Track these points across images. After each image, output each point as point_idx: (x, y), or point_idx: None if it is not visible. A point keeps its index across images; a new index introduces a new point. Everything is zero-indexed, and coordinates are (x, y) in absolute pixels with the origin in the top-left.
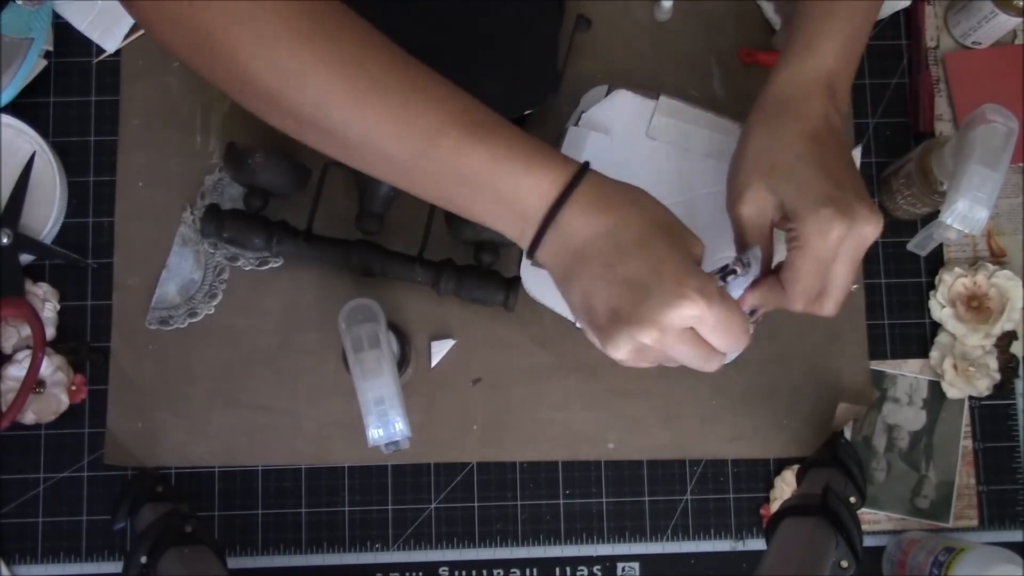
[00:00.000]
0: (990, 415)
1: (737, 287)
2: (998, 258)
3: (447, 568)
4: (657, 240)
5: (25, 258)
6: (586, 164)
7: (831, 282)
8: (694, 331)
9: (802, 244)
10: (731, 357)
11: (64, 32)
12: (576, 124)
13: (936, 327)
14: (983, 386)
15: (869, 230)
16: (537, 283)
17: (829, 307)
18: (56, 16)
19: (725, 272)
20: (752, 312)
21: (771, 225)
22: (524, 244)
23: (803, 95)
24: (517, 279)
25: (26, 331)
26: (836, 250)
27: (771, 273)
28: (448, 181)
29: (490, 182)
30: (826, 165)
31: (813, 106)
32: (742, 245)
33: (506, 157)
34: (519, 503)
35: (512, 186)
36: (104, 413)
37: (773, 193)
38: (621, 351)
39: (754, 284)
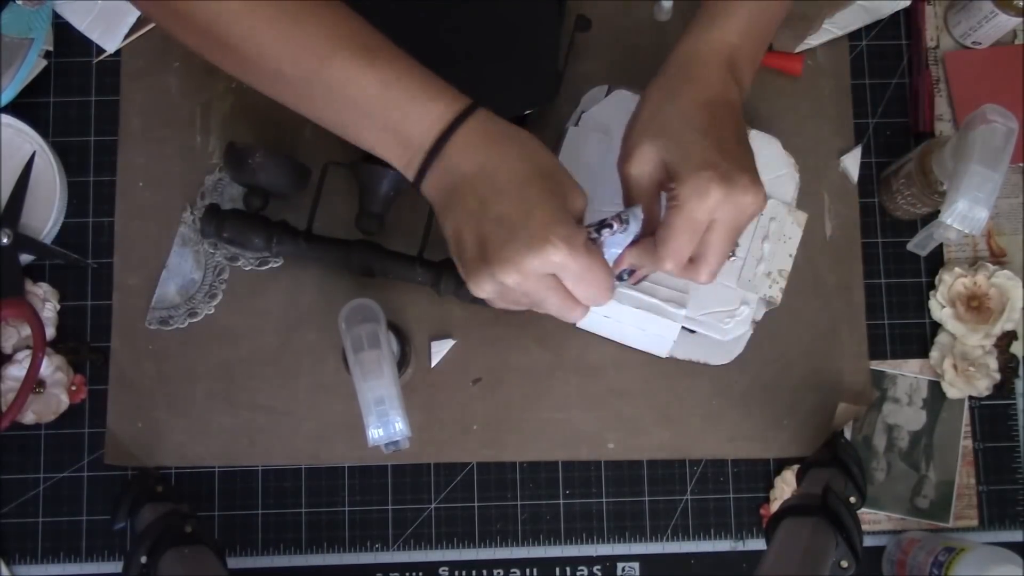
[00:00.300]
0: (990, 415)
1: (614, 244)
2: (998, 258)
3: (447, 568)
4: (534, 184)
5: (25, 258)
6: (475, 102)
7: (706, 248)
8: (557, 279)
9: (678, 204)
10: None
11: (64, 32)
12: (576, 124)
13: (936, 327)
14: (983, 386)
15: (748, 200)
16: None
17: (703, 274)
18: (56, 16)
19: (601, 225)
20: (630, 273)
21: (657, 186)
22: (409, 174)
23: (702, 63)
24: None
25: (26, 331)
26: (712, 214)
27: (651, 235)
28: (339, 106)
29: (380, 109)
30: (714, 133)
31: (711, 76)
32: (626, 203)
33: (396, 84)
34: (519, 503)
35: (400, 115)
36: (104, 413)
37: (660, 154)
38: (484, 290)
39: (632, 244)
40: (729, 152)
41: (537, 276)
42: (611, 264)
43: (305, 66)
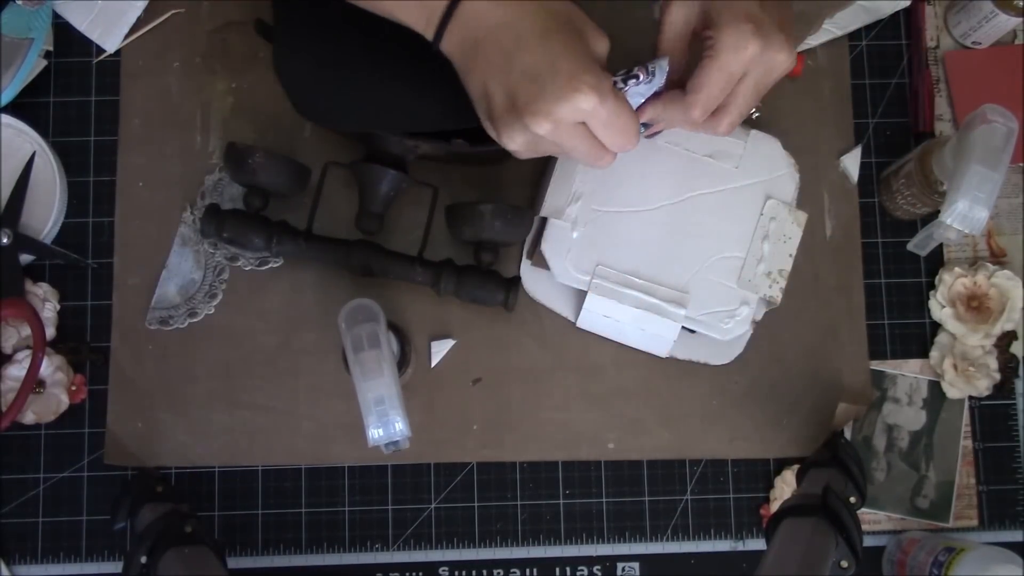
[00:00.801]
0: (990, 415)
1: (638, 95)
2: (998, 258)
3: (447, 568)
4: (558, 34)
5: (25, 258)
6: None
7: (732, 100)
8: (586, 127)
9: (715, 54)
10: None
11: (64, 32)
12: None
13: (936, 327)
14: (983, 386)
15: (781, 58)
16: (537, 283)
17: (724, 125)
18: (56, 16)
19: (628, 75)
20: (649, 126)
21: (690, 34)
22: (429, 34)
23: None
24: (517, 279)
25: (26, 331)
26: (745, 68)
27: (676, 88)
28: None
29: None
30: None
31: None
32: (660, 49)
33: None
34: (519, 503)
35: None
36: (104, 413)
37: (701, 3)
38: (515, 142)
39: (656, 96)
40: (770, 8)
41: (568, 124)
42: None
43: None
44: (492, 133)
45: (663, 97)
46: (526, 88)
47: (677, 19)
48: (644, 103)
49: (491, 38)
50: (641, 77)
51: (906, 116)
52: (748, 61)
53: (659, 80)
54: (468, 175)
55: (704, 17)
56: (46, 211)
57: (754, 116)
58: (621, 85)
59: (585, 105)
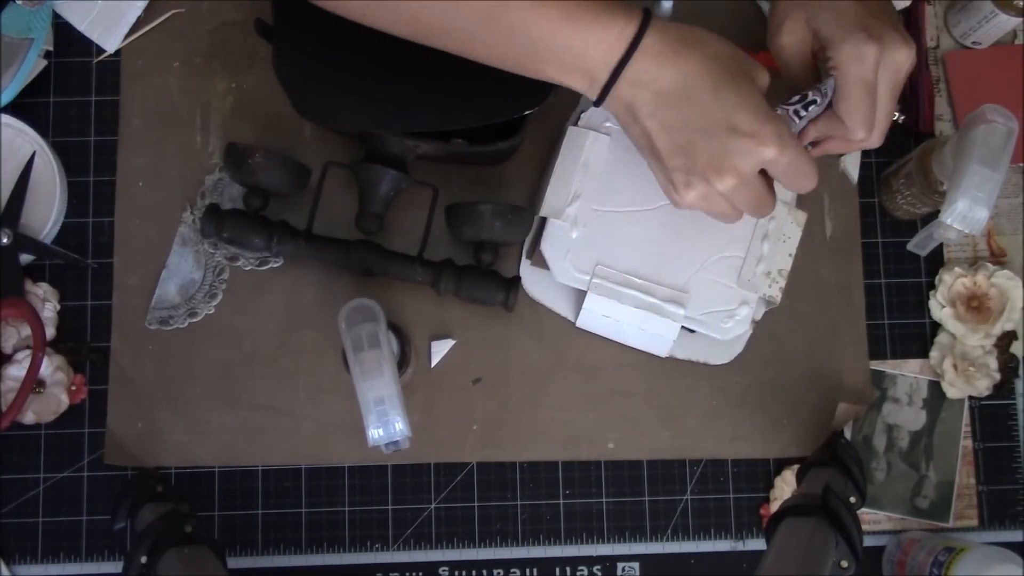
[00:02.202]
0: (990, 415)
1: (807, 119)
2: (998, 258)
3: (447, 568)
4: (728, 87)
5: (25, 258)
6: (648, 11)
7: (875, 111)
8: (763, 174)
9: (842, 72)
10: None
11: (64, 32)
12: (576, 124)
13: (936, 327)
14: (983, 386)
15: (902, 56)
16: (537, 283)
17: (875, 138)
18: (56, 16)
19: (805, 102)
20: (814, 144)
21: (810, 56)
22: (592, 96)
23: None
24: (517, 279)
25: (26, 331)
26: (875, 75)
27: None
28: (515, 43)
29: (557, 42)
30: None
31: None
32: (787, 77)
33: (572, 14)
34: (519, 503)
35: (579, 43)
36: (104, 413)
37: (810, 23)
38: (689, 197)
39: (816, 118)
40: (877, 11)
41: (750, 178)
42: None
43: (485, 8)
44: (660, 183)
45: (822, 119)
46: (706, 146)
47: (790, 44)
48: (808, 125)
49: (662, 97)
50: (819, 100)
51: (906, 116)
52: (873, 67)
53: (828, 99)
54: (468, 175)
55: (816, 38)
56: (46, 211)
57: (899, 120)
58: (803, 112)
59: (768, 155)
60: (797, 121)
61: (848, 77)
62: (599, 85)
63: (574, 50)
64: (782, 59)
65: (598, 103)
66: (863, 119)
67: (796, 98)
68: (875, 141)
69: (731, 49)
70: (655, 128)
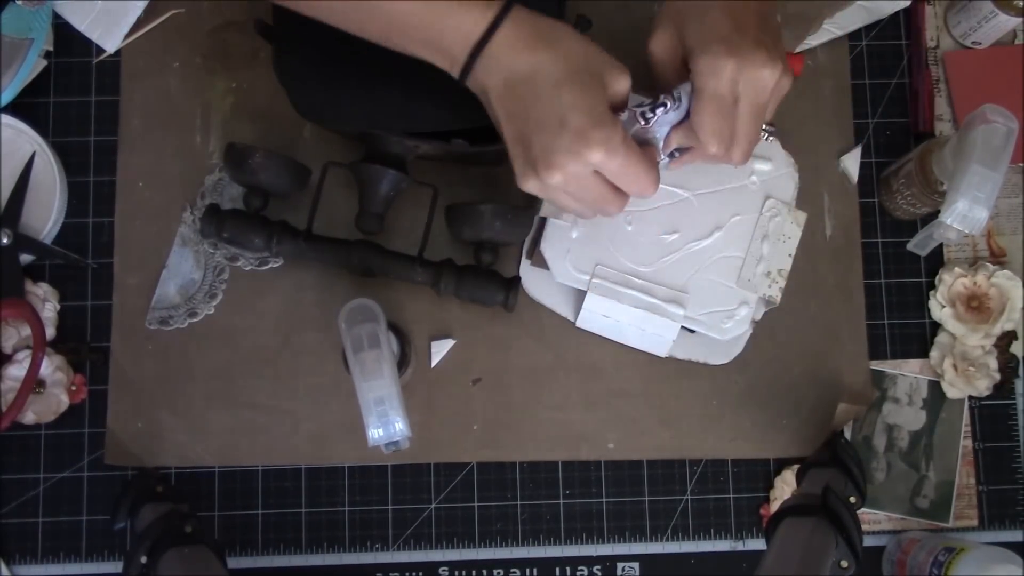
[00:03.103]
0: (990, 415)
1: (666, 123)
2: (998, 258)
3: (447, 568)
4: (570, 85)
5: (25, 258)
6: (510, 2)
7: (735, 127)
8: (600, 176)
9: (696, 83)
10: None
11: (64, 32)
12: None
13: (936, 327)
14: (983, 386)
15: (765, 74)
16: (537, 283)
17: (736, 155)
18: (56, 16)
19: (655, 104)
20: (674, 153)
21: (681, 65)
22: (454, 75)
23: None
24: (517, 279)
25: (26, 331)
26: (733, 92)
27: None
28: (384, 22)
29: (420, 23)
30: (733, 11)
31: None
32: (658, 84)
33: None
34: (519, 503)
35: (439, 25)
36: (104, 413)
37: (679, 31)
38: (527, 187)
39: (679, 124)
40: (746, 27)
41: (579, 176)
42: (661, 143)
43: None
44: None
45: (684, 126)
46: (539, 139)
47: (661, 52)
48: (671, 131)
49: (510, 86)
50: (668, 104)
51: (906, 116)
52: (730, 84)
53: (685, 105)
54: (468, 175)
55: (684, 46)
56: (46, 211)
57: (767, 139)
58: (650, 115)
59: (594, 159)
60: (641, 123)
61: (701, 90)
62: (459, 66)
63: (435, 30)
64: (653, 64)
65: (461, 82)
66: (714, 134)
67: (649, 101)
68: (736, 158)
69: (587, 49)
70: (502, 115)
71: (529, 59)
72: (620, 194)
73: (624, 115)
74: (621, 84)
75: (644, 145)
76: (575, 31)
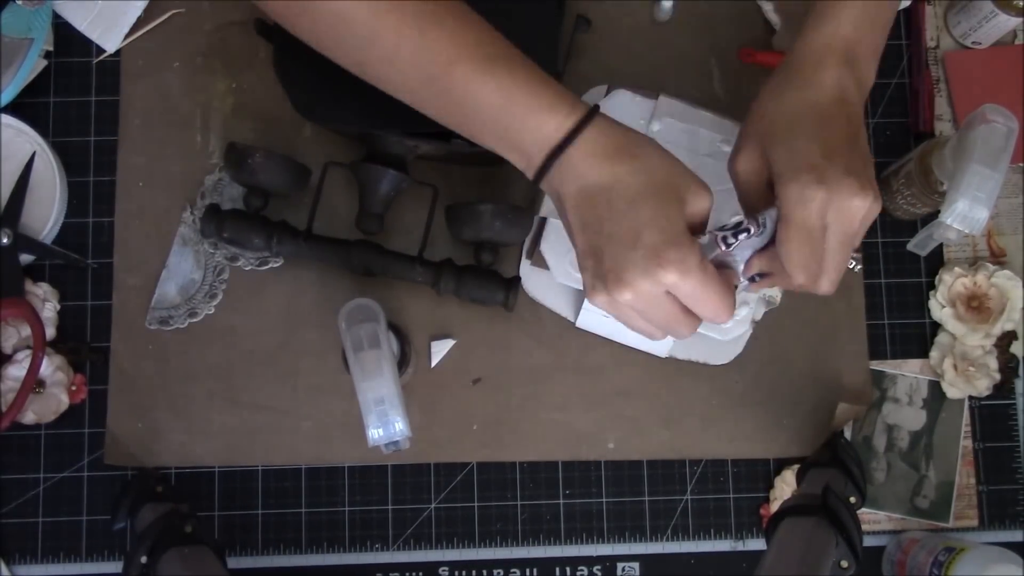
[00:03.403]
0: (990, 415)
1: (748, 247)
2: (998, 258)
3: (447, 568)
4: (647, 201)
5: (25, 258)
6: (595, 107)
7: (824, 257)
8: (672, 297)
9: (783, 212)
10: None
11: (64, 32)
12: None
13: (936, 327)
14: (983, 386)
15: (856, 204)
16: (537, 283)
17: (824, 285)
18: (56, 16)
19: (738, 229)
20: (763, 276)
21: (764, 187)
22: (528, 175)
23: (815, 62)
24: (517, 279)
25: (26, 331)
26: (822, 222)
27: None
28: (457, 111)
29: (498, 119)
30: (822, 135)
31: (824, 74)
32: (743, 204)
33: (515, 95)
34: (519, 503)
35: (518, 125)
36: (104, 413)
37: (766, 154)
38: (596, 300)
39: (764, 249)
40: (836, 153)
41: (650, 296)
42: (741, 266)
43: (427, 71)
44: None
45: (768, 251)
46: (611, 253)
47: (744, 172)
48: (753, 256)
49: (585, 195)
50: (752, 231)
51: (906, 116)
52: (819, 213)
53: (770, 230)
54: (468, 175)
55: (769, 169)
56: (46, 211)
57: (855, 268)
58: (732, 240)
59: (668, 279)
60: (723, 248)
61: (789, 219)
62: (534, 168)
63: (513, 129)
64: (737, 184)
65: (535, 184)
66: (801, 264)
67: (731, 224)
68: (824, 288)
69: (670, 166)
70: (576, 224)
71: (608, 170)
72: (692, 317)
73: (705, 238)
74: (702, 203)
75: (722, 267)
76: (658, 145)
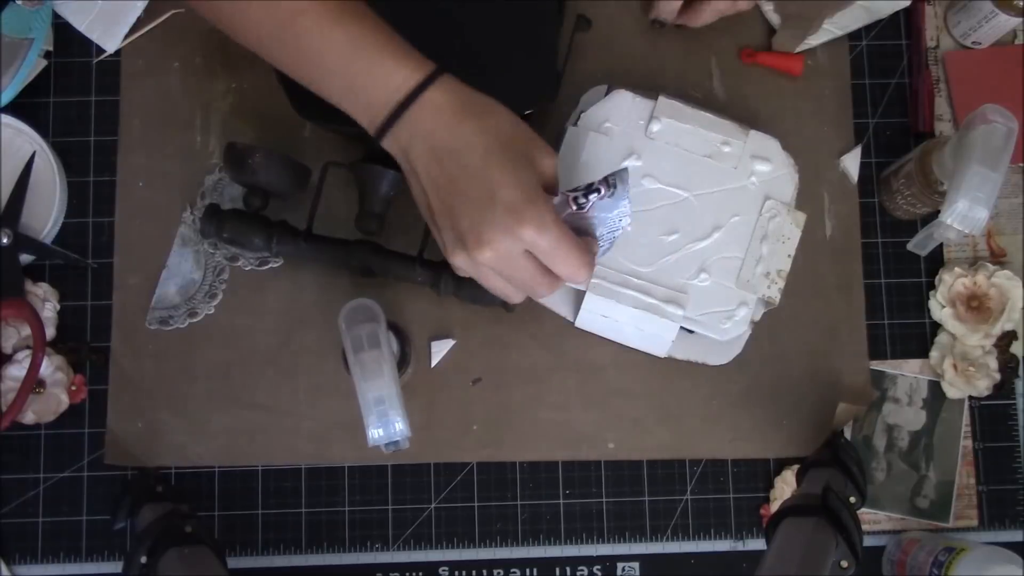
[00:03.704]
0: (990, 415)
1: (602, 209)
2: (998, 258)
3: (447, 568)
4: (499, 160)
5: (25, 258)
6: (442, 66)
7: None
8: (530, 256)
9: None
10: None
11: (64, 32)
12: (575, 124)
13: (936, 327)
14: (983, 386)
15: None
16: None
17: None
18: (56, 16)
19: (588, 190)
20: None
21: None
22: (371, 131)
23: None
24: None
25: (26, 331)
26: None
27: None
28: (305, 62)
29: (345, 69)
30: None
31: None
32: None
33: (362, 44)
34: (519, 503)
35: (364, 76)
36: (104, 413)
37: None
38: (458, 261)
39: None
40: None
41: (509, 255)
42: (597, 229)
43: (277, 17)
44: (438, 241)
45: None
46: (467, 213)
47: None
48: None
49: (435, 156)
50: (603, 191)
51: (906, 116)
52: None
53: (622, 192)
54: None
55: None
56: (46, 211)
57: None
58: (583, 200)
59: (526, 235)
60: (573, 208)
61: None
62: (377, 124)
63: (359, 82)
64: None
65: (377, 140)
66: None
67: (582, 186)
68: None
69: (516, 124)
70: (428, 184)
71: (455, 128)
72: (551, 276)
73: (557, 199)
74: (548, 164)
75: (582, 235)
76: (505, 107)
